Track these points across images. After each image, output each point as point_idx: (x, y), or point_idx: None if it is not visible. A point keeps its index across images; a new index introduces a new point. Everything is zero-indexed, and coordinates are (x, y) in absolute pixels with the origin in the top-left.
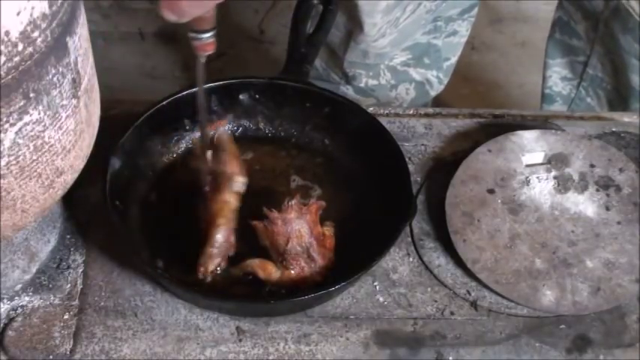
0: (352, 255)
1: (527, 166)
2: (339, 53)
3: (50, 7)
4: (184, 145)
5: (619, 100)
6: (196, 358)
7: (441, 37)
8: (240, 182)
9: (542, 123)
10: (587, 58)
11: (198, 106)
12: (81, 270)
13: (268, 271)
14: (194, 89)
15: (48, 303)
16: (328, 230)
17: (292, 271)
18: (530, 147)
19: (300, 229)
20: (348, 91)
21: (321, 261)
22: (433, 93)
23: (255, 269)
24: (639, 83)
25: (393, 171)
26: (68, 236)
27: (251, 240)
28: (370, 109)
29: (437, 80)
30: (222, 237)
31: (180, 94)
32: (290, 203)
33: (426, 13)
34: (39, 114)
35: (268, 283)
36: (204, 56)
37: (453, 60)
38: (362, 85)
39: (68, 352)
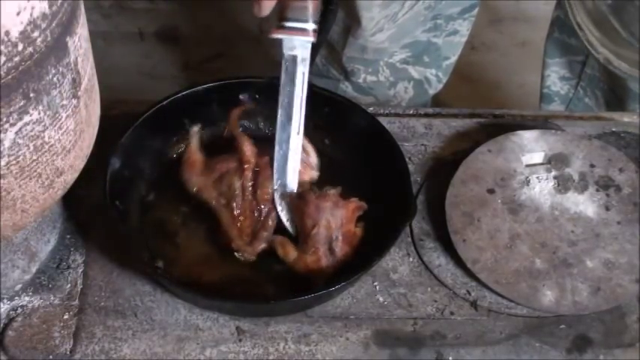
0: (352, 255)
1: (527, 166)
2: (337, 48)
3: (50, 7)
4: (184, 145)
5: (615, 100)
6: (196, 358)
7: (442, 36)
8: (316, 174)
9: (542, 123)
10: (586, 57)
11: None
12: (81, 270)
13: (287, 250)
14: (194, 89)
15: (48, 303)
16: (359, 230)
17: (308, 257)
18: (530, 147)
19: (330, 220)
20: (347, 89)
21: (341, 256)
22: (432, 92)
23: (276, 245)
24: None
25: (393, 171)
26: (68, 236)
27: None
28: (370, 109)
29: (436, 79)
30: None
31: (180, 94)
32: (329, 192)
33: (424, 10)
34: (39, 114)
35: (286, 263)
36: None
37: (453, 59)
38: (360, 81)
39: (68, 352)
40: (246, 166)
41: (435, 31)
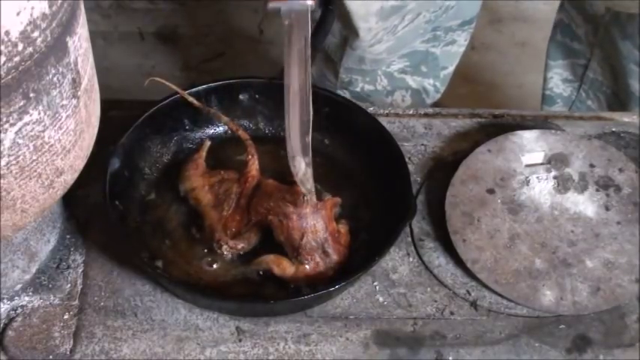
0: (352, 255)
1: (527, 166)
2: (334, 59)
3: (50, 7)
4: (184, 145)
5: (618, 104)
6: (196, 358)
7: (440, 46)
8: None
9: (541, 123)
10: (588, 61)
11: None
12: (81, 270)
13: (283, 266)
14: (194, 89)
15: (48, 303)
16: (343, 227)
17: (307, 266)
18: (530, 147)
19: (316, 224)
20: (345, 95)
21: (336, 257)
22: (429, 101)
23: (270, 265)
24: (638, 89)
25: (393, 171)
26: (68, 236)
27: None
28: (370, 109)
29: (433, 89)
30: None
31: (180, 94)
32: (305, 198)
33: (425, 23)
34: (39, 114)
35: (284, 279)
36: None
37: (451, 69)
38: (358, 89)
39: (68, 352)
40: (250, 178)
41: (434, 41)
